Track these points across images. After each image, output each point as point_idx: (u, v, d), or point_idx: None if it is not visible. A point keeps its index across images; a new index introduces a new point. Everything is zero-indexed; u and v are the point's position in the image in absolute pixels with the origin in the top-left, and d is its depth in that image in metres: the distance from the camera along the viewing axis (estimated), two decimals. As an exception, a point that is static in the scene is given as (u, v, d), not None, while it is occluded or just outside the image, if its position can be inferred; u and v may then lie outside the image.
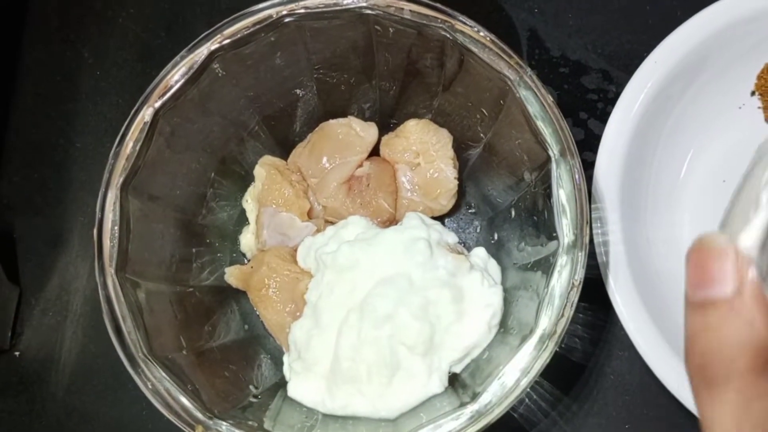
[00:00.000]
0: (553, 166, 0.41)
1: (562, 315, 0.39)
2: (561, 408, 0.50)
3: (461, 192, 0.52)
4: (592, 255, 0.48)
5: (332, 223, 0.50)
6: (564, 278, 0.39)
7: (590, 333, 0.51)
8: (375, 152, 0.52)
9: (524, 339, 0.39)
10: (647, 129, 0.50)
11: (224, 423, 0.39)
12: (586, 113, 0.55)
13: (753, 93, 0.52)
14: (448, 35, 0.42)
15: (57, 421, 0.53)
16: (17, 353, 0.54)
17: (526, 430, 0.50)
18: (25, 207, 0.57)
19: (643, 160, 0.50)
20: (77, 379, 0.53)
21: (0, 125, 0.58)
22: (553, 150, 0.41)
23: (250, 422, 0.40)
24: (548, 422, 0.50)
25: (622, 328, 0.46)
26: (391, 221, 0.50)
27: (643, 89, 0.49)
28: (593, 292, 0.48)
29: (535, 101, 0.41)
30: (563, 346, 0.51)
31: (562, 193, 0.40)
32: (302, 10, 0.43)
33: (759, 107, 0.52)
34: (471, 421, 0.39)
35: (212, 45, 0.43)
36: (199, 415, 0.39)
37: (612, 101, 0.51)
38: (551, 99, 0.41)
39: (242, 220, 0.53)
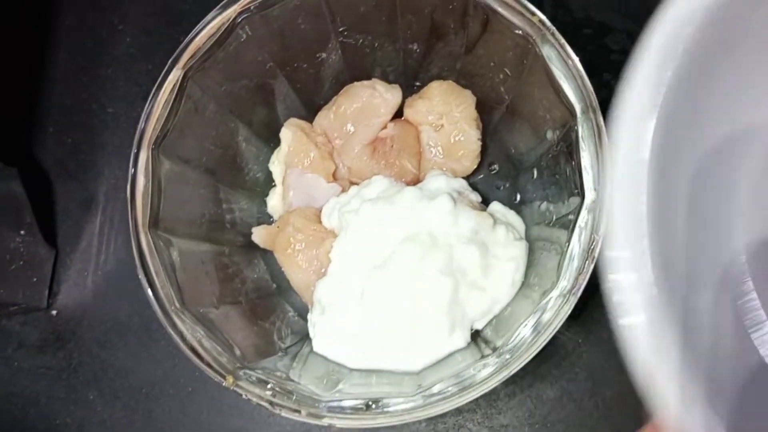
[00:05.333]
0: (576, 124, 0.41)
1: (583, 269, 0.39)
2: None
3: (484, 153, 0.52)
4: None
5: (357, 184, 0.51)
6: (586, 234, 0.40)
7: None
8: (399, 114, 0.52)
9: (545, 293, 0.40)
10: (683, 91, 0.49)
11: (253, 373, 0.40)
12: (610, 74, 0.55)
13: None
14: (471, -6, 0.42)
15: (93, 377, 0.55)
16: (54, 312, 0.56)
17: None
18: (60, 171, 0.58)
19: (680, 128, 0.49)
20: (112, 336, 0.55)
21: (34, 92, 0.60)
22: (576, 108, 0.41)
23: (278, 373, 0.41)
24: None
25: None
26: (415, 182, 0.51)
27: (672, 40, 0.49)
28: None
29: (557, 59, 0.41)
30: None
31: (585, 151, 0.40)
32: (325, -28, 0.43)
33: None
34: (492, 374, 0.40)
35: (238, 7, 0.43)
36: (230, 366, 0.40)
37: (637, 62, 0.50)
38: (574, 57, 0.41)
39: (269, 181, 0.54)
